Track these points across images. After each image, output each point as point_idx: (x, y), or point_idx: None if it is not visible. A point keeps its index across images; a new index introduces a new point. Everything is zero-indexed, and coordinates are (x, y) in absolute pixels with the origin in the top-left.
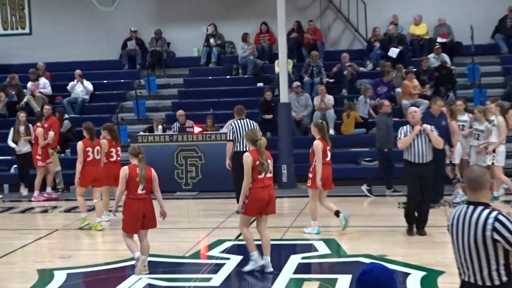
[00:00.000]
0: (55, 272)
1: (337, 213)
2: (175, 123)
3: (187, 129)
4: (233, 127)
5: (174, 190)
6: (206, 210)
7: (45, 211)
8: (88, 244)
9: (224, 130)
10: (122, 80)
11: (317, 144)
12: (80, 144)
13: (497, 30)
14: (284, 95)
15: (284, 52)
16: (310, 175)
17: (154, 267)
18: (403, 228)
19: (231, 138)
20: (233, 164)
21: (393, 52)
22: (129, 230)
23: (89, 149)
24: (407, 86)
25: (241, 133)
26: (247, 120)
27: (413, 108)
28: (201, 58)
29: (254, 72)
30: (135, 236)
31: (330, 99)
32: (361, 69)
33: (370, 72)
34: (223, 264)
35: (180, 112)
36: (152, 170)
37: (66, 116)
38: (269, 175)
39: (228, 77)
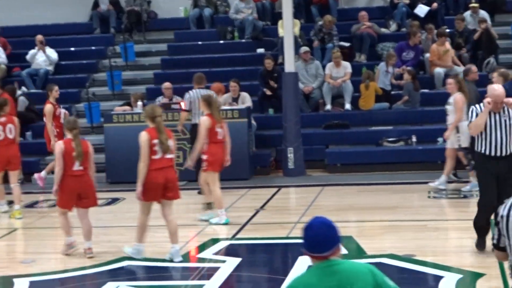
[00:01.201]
0: (15, 280)
1: (209, 205)
2: (158, 98)
3: (173, 106)
4: (190, 96)
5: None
6: (196, 204)
7: None
8: (55, 246)
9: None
10: (93, 47)
11: (204, 121)
12: None
13: None
14: (290, 63)
15: (289, 10)
16: (205, 157)
17: (134, 273)
18: (434, 222)
19: (187, 108)
20: (190, 138)
21: (421, 10)
22: (62, 205)
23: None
24: (433, 51)
25: (197, 105)
26: (206, 91)
27: (449, 80)
28: (188, 19)
29: (253, 36)
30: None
31: (347, 67)
32: (383, 30)
33: (394, 34)
34: (217, 268)
35: (167, 84)
36: (89, 143)
37: (19, 92)
38: (169, 155)
39: (222, 42)
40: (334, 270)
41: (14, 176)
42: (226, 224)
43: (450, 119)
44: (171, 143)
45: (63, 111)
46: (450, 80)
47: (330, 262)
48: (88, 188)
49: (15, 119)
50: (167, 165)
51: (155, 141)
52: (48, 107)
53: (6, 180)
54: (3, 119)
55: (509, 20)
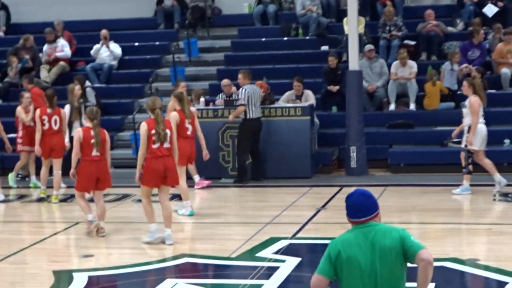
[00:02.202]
0: (74, 274)
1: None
2: (220, 95)
3: (236, 103)
4: (248, 91)
5: (219, 176)
6: (257, 202)
7: (64, 200)
8: (114, 241)
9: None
10: (157, 43)
11: (174, 116)
12: (36, 112)
13: None
14: (354, 61)
15: (354, 7)
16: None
17: (193, 270)
18: (499, 226)
19: (244, 103)
20: (240, 130)
21: (490, 9)
22: (80, 188)
23: (45, 117)
24: (497, 50)
25: (253, 99)
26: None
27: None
28: (252, 15)
29: (317, 33)
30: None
31: (413, 66)
32: (450, 29)
33: (461, 33)
34: (277, 268)
35: (225, 81)
36: (105, 132)
37: (88, 84)
38: (166, 145)
39: (285, 39)
40: (368, 231)
41: (57, 163)
42: (191, 215)
43: (466, 121)
44: (169, 133)
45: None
46: (464, 83)
47: (367, 224)
48: (104, 172)
49: (62, 110)
50: (165, 153)
51: (153, 131)
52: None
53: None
54: (50, 110)
55: None
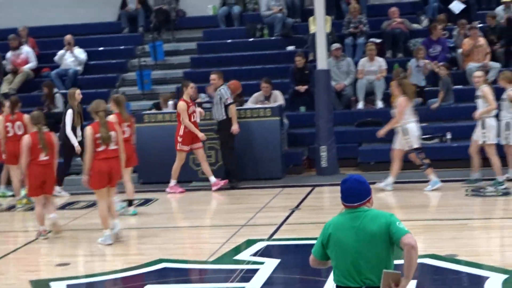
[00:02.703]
0: (51, 283)
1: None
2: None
3: (204, 105)
4: (226, 91)
5: (189, 179)
6: (230, 204)
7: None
8: (90, 248)
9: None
10: (122, 47)
11: (111, 119)
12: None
13: None
14: (322, 61)
15: (321, 7)
16: None
17: (172, 275)
18: (475, 221)
19: (232, 101)
20: (225, 131)
21: (457, 6)
22: (30, 193)
23: (9, 124)
24: (464, 45)
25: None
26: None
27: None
28: (217, 17)
29: (283, 33)
30: None
31: (381, 62)
32: (415, 26)
33: (426, 30)
34: (256, 270)
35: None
36: (52, 135)
37: (56, 90)
38: (113, 147)
39: (251, 39)
40: (359, 215)
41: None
42: (134, 215)
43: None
44: (114, 135)
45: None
46: (392, 83)
47: (358, 209)
48: (51, 176)
49: (25, 116)
50: (111, 155)
51: (98, 134)
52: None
53: None
54: (13, 116)
55: None
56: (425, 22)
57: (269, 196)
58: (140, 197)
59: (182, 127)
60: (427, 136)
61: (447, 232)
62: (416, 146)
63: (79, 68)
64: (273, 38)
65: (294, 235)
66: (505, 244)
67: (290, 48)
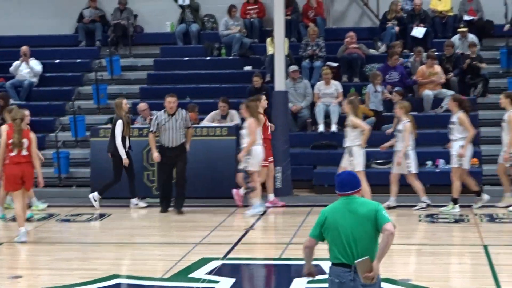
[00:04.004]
0: None
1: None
2: (138, 117)
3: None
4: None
5: (143, 196)
6: (185, 222)
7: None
8: (42, 262)
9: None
10: (78, 60)
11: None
12: None
13: None
14: (280, 82)
15: (281, 28)
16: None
17: None
18: (428, 247)
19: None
20: (185, 155)
21: (419, 32)
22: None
23: None
24: (419, 72)
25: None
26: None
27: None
28: (175, 34)
29: (240, 53)
30: None
31: (337, 85)
32: (372, 51)
33: (383, 55)
34: None
35: (142, 105)
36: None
37: (12, 101)
38: (24, 153)
39: (208, 58)
40: (351, 202)
41: None
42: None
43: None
44: (26, 142)
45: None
46: (241, 106)
47: (350, 197)
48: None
49: None
50: (23, 160)
51: (11, 140)
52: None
53: None
54: None
55: (497, 44)
56: (382, 48)
57: (224, 215)
58: (93, 212)
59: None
60: (381, 161)
61: (401, 257)
62: (253, 169)
63: (35, 79)
64: (230, 57)
65: (249, 255)
66: (459, 270)
67: (247, 68)
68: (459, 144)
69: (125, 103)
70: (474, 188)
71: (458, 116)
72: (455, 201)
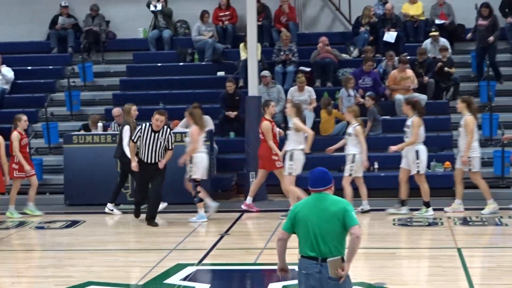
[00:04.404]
0: None
1: None
2: (112, 123)
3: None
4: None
5: (117, 202)
6: (159, 228)
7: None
8: (16, 269)
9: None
10: (51, 67)
11: None
12: None
13: (505, 5)
14: (254, 87)
15: (254, 33)
16: None
17: None
18: (403, 251)
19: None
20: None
21: (391, 36)
22: None
23: None
24: (391, 77)
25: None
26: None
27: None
28: (148, 40)
29: (213, 59)
30: None
31: (311, 92)
32: (344, 56)
33: (355, 60)
34: None
35: (117, 110)
36: None
37: None
38: None
39: (181, 64)
40: (324, 198)
41: None
42: None
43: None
44: None
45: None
46: (186, 113)
47: (322, 194)
48: None
49: None
50: None
51: None
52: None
53: None
54: None
55: (468, 48)
56: (355, 52)
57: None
58: (67, 218)
59: (269, 146)
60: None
61: (376, 260)
62: (197, 176)
63: (7, 87)
64: (203, 63)
65: (224, 260)
66: (433, 273)
67: (220, 73)
68: (415, 149)
69: (134, 110)
70: (403, 196)
71: (412, 120)
72: (427, 205)
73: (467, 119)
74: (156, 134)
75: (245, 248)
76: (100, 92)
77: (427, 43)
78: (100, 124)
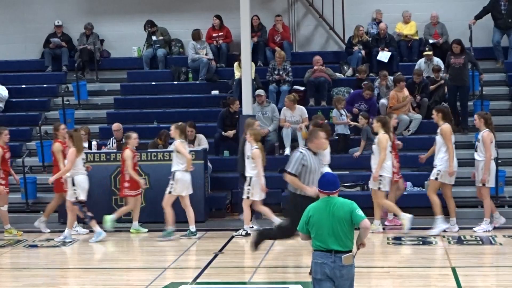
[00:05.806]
0: None
1: None
2: (111, 139)
3: None
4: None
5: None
6: (153, 246)
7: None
8: (13, 287)
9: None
10: (45, 85)
11: None
12: None
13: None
14: (248, 106)
15: (247, 52)
16: None
17: None
18: (397, 269)
19: None
20: None
21: (385, 56)
22: None
23: None
24: (393, 97)
25: None
26: None
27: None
28: (142, 59)
29: (207, 77)
30: None
31: (302, 110)
32: (338, 75)
33: (349, 79)
34: None
35: (116, 125)
36: None
37: None
38: None
39: (175, 82)
40: (333, 201)
41: None
42: None
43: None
44: None
45: None
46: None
47: (332, 197)
48: None
49: None
50: None
51: None
52: None
53: None
54: None
55: None
56: (349, 71)
57: (192, 240)
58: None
59: None
60: (349, 184)
61: (370, 280)
62: (82, 198)
63: (1, 105)
64: (197, 82)
65: (218, 279)
66: None
67: (215, 92)
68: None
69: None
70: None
71: (378, 137)
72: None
73: (380, 137)
74: None
75: (239, 267)
76: (94, 111)
77: (421, 62)
78: (94, 143)
